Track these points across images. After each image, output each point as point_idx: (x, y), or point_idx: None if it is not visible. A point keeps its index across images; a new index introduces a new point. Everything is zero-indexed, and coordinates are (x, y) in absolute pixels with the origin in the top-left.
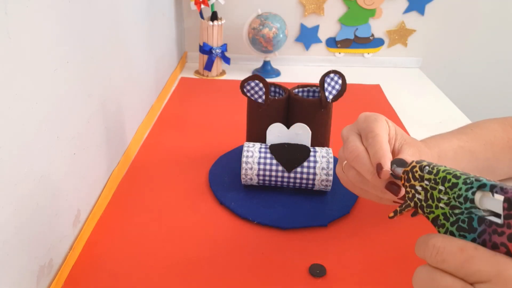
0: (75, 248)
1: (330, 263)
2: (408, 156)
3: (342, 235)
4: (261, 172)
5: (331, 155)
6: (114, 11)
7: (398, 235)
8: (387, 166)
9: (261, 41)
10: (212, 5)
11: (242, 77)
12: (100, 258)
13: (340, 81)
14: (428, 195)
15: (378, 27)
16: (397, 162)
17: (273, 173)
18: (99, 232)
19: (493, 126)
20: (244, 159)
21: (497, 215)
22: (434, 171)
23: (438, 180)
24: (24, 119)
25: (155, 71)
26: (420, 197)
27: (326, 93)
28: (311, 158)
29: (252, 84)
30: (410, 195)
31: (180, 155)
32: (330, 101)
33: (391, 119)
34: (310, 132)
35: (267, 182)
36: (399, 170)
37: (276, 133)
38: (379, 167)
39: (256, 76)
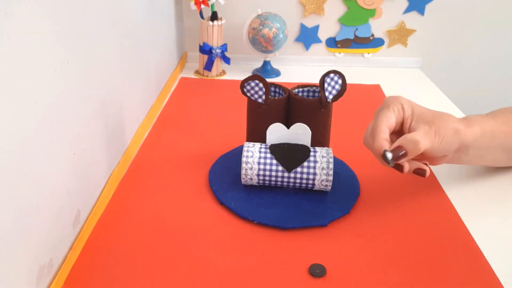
0: (75, 248)
1: (330, 263)
2: (418, 136)
3: (342, 235)
4: (261, 172)
5: (331, 155)
6: (114, 11)
7: (398, 235)
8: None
9: (261, 41)
10: (212, 5)
11: (242, 77)
12: (100, 258)
13: (340, 81)
14: None
15: (378, 27)
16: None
17: (273, 173)
18: (99, 232)
19: None
20: (244, 159)
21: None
22: None
23: None
24: (24, 119)
25: (155, 71)
26: None
27: (326, 93)
28: (311, 158)
29: (252, 84)
30: None
31: (180, 155)
32: (330, 101)
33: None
34: (310, 132)
35: (267, 182)
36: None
37: (276, 133)
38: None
39: (256, 76)
